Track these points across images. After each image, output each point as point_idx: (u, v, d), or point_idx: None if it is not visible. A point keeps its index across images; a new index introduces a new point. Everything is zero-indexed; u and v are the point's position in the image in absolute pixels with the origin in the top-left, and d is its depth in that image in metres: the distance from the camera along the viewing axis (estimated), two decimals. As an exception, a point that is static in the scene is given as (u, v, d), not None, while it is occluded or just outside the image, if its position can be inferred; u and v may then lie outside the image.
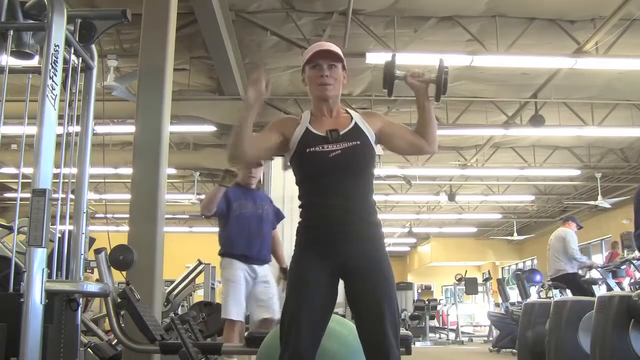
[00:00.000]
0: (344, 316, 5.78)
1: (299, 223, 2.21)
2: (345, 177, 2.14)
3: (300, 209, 2.22)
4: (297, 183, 2.24)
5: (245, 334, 3.61)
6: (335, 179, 2.14)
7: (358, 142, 2.17)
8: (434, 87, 2.23)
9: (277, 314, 3.84)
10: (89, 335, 4.99)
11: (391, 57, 2.27)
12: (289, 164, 2.34)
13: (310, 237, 2.16)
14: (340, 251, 2.10)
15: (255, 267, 3.97)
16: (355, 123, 2.23)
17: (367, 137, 2.21)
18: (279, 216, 4.30)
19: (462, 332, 13.32)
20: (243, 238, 3.96)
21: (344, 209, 2.12)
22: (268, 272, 4.06)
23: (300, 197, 2.23)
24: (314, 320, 2.06)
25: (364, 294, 2.08)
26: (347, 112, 2.29)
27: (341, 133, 2.18)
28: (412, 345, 3.54)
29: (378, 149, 2.30)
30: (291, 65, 8.57)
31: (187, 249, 16.13)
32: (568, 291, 7.10)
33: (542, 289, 8.73)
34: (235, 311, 3.83)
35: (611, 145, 12.09)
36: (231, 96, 8.60)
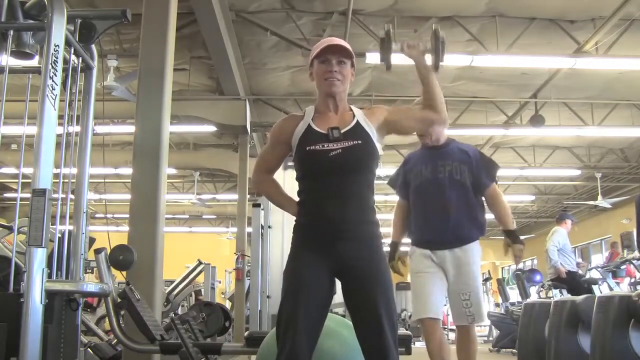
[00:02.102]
0: (343, 316, 5.78)
1: (296, 220, 2.20)
2: (345, 177, 2.12)
3: (299, 206, 2.21)
4: (297, 179, 2.23)
5: (245, 333, 3.61)
6: (334, 178, 2.12)
7: (359, 142, 2.15)
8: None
9: (480, 315, 3.09)
10: (89, 335, 4.99)
11: (385, 33, 2.29)
12: (289, 163, 2.34)
13: (307, 236, 2.15)
14: (338, 250, 2.09)
15: (442, 252, 3.12)
16: (357, 121, 2.20)
17: (369, 135, 2.18)
18: (489, 170, 3.28)
19: (462, 332, 13.30)
20: (421, 217, 3.22)
21: (342, 208, 2.10)
22: (466, 255, 3.14)
23: (299, 194, 2.22)
24: (311, 320, 2.06)
25: (361, 294, 2.07)
26: (351, 110, 2.26)
27: (342, 131, 2.16)
28: (412, 345, 3.53)
29: (379, 149, 2.29)
30: (291, 65, 8.57)
31: (187, 249, 16.15)
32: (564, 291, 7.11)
33: (542, 289, 8.73)
34: (418, 308, 3.12)
35: (611, 145, 12.09)
36: (231, 96, 8.61)
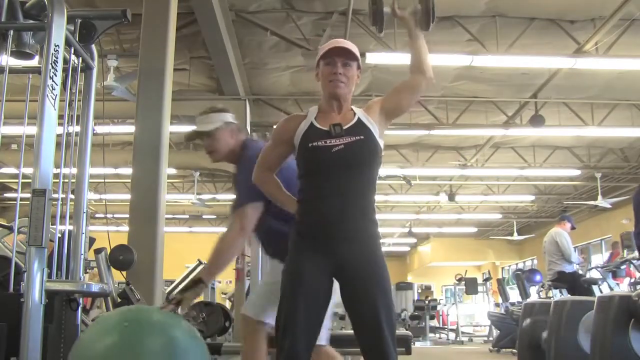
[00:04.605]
0: (343, 316, 5.78)
1: (296, 219, 2.21)
2: (347, 173, 2.13)
3: (299, 204, 2.21)
4: (298, 177, 2.24)
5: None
6: (335, 175, 2.12)
7: (362, 137, 2.16)
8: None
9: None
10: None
11: None
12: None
13: (306, 234, 2.15)
14: (336, 250, 2.09)
15: None
16: (359, 118, 2.22)
17: (371, 131, 2.19)
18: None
19: (462, 332, 13.33)
20: None
21: (340, 206, 2.11)
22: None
23: (299, 192, 2.23)
24: (310, 320, 2.06)
25: (360, 295, 2.07)
26: (352, 108, 2.28)
27: (344, 127, 2.17)
28: (412, 345, 3.54)
29: (381, 145, 2.29)
30: (291, 65, 8.57)
31: (187, 249, 16.15)
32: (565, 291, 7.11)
33: (542, 289, 8.74)
34: None
35: (611, 145, 12.09)
36: (231, 96, 8.60)
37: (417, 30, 2.30)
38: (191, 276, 8.60)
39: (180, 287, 2.56)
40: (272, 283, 2.58)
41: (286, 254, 2.49)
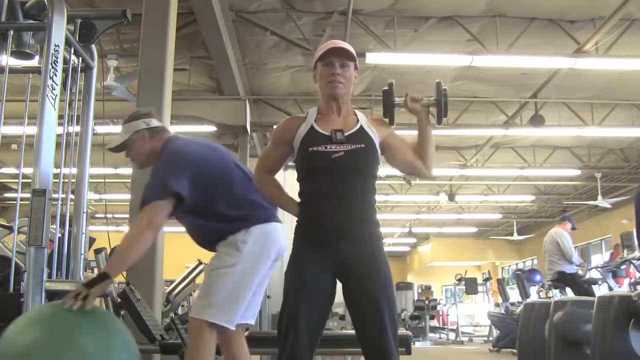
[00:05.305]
0: (343, 316, 5.78)
1: (297, 221, 2.21)
2: (347, 179, 2.14)
3: (300, 207, 2.21)
4: (298, 180, 2.24)
5: (246, 333, 3.60)
6: (335, 180, 2.13)
7: (362, 145, 2.16)
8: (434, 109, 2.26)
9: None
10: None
11: (388, 86, 2.29)
12: (290, 163, 2.35)
13: (308, 236, 2.15)
14: (338, 251, 2.09)
15: None
16: (361, 125, 2.22)
17: (372, 140, 2.20)
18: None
19: (462, 332, 13.32)
20: None
21: (342, 209, 2.11)
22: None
23: (300, 194, 2.23)
24: (312, 320, 2.07)
25: (363, 296, 2.07)
26: (355, 114, 2.27)
27: (346, 134, 2.17)
28: (412, 345, 3.53)
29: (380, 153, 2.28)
30: (291, 65, 8.57)
31: (187, 249, 16.10)
32: (568, 289, 7.11)
33: (542, 289, 8.74)
34: None
35: (611, 145, 12.09)
36: (231, 96, 8.60)
37: (428, 123, 2.28)
38: (190, 278, 8.62)
39: (85, 281, 2.49)
40: (211, 270, 2.69)
41: (217, 242, 2.65)
